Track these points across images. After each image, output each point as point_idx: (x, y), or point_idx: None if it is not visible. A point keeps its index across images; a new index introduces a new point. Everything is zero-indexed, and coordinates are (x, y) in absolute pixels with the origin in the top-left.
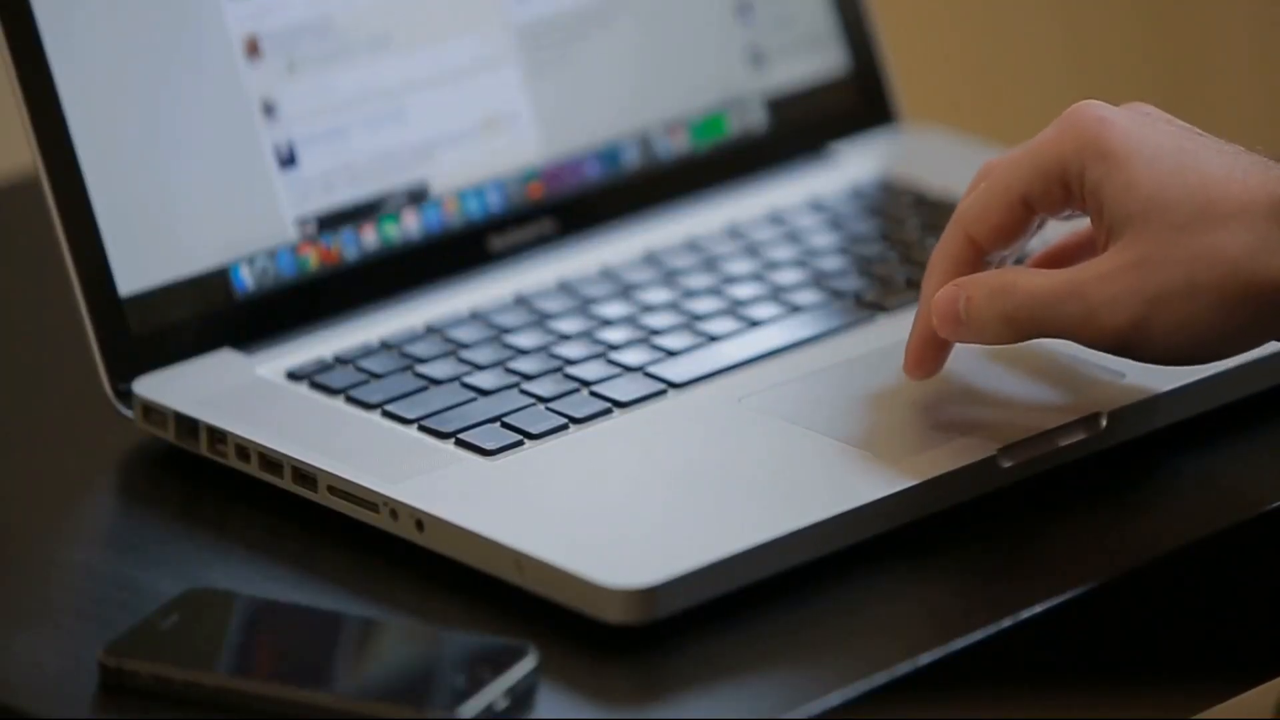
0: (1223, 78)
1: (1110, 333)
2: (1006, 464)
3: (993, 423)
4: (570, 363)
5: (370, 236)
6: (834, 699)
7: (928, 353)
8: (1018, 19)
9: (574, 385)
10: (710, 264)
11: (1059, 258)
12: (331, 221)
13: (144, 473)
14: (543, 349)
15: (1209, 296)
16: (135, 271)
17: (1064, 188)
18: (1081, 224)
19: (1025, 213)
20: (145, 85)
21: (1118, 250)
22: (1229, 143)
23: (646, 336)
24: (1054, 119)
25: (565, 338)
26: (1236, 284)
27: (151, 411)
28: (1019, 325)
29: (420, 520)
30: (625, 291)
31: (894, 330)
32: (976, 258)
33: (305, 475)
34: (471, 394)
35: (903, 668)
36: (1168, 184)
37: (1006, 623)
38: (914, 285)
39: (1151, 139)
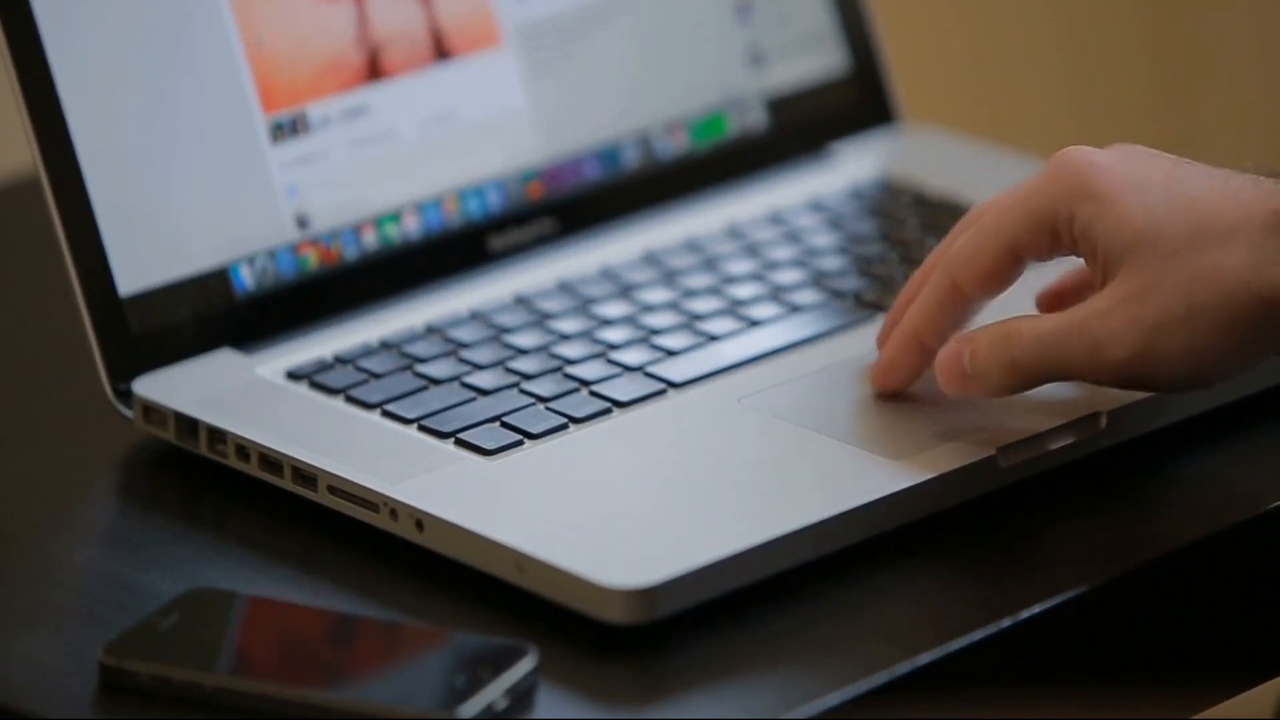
0: (1223, 78)
1: (1116, 366)
2: (1006, 464)
3: (992, 422)
4: (570, 362)
5: (370, 236)
6: (834, 699)
7: (891, 376)
8: (1018, 19)
9: (574, 385)
10: (710, 264)
11: (1057, 300)
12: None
13: (144, 473)
14: (542, 349)
15: (1210, 316)
16: (135, 271)
17: (1053, 234)
18: (1074, 263)
19: (1012, 260)
20: (145, 85)
21: (1116, 285)
22: (1218, 167)
23: (646, 336)
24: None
25: (565, 337)
26: (1238, 300)
27: (151, 411)
28: (1024, 371)
29: (420, 520)
30: (625, 291)
31: None
32: (962, 304)
33: (305, 475)
34: (471, 394)
35: (903, 668)
36: (1159, 213)
37: (1006, 623)
38: None
39: (1139, 173)
